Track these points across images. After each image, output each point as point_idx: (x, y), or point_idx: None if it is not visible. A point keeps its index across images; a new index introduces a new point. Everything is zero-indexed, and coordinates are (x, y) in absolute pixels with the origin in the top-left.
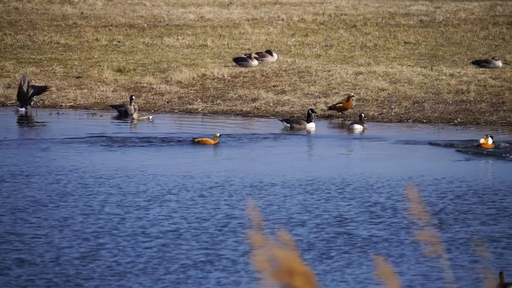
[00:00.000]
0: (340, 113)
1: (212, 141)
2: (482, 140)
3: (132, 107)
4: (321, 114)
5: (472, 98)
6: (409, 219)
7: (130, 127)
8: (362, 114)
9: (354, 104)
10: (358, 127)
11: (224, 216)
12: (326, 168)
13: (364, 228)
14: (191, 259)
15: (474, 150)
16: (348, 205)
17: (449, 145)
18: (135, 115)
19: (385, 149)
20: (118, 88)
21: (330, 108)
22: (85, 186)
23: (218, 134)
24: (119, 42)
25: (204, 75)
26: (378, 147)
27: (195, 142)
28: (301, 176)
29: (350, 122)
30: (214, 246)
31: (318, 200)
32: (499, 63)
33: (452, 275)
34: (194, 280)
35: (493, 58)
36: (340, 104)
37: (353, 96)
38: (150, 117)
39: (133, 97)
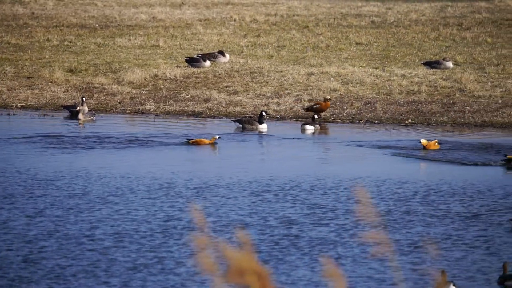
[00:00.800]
0: (316, 114)
1: (208, 142)
2: (423, 141)
3: (84, 107)
4: (294, 116)
5: (423, 99)
6: (356, 220)
7: (77, 128)
8: (315, 116)
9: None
10: (309, 128)
11: (167, 218)
12: (274, 169)
13: (310, 230)
14: (135, 261)
15: (417, 152)
16: (293, 206)
17: (395, 146)
18: (80, 116)
19: (333, 150)
20: (69, 88)
21: (307, 109)
22: (28, 187)
23: (217, 136)
24: (70, 42)
25: (156, 75)
26: (327, 148)
27: (190, 143)
28: (248, 177)
29: (302, 123)
30: (159, 248)
31: (264, 201)
32: (450, 64)
33: (399, 276)
34: (138, 283)
35: (443, 59)
36: (317, 106)
37: (329, 99)
38: (93, 117)
39: (84, 98)
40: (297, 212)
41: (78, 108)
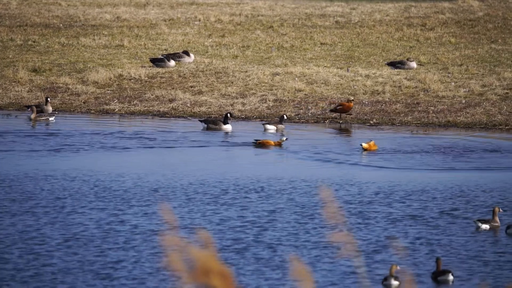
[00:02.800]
0: (340, 115)
1: (273, 143)
2: (364, 144)
3: (48, 107)
4: (319, 116)
5: (387, 99)
6: (321, 221)
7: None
8: (284, 116)
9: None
10: (270, 128)
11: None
12: (233, 170)
13: (273, 231)
14: (95, 263)
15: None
16: (255, 208)
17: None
18: (32, 116)
19: (291, 151)
20: (33, 88)
21: (332, 110)
22: None
23: (285, 139)
24: (34, 42)
25: (120, 75)
26: (285, 149)
27: (258, 143)
28: (209, 178)
29: (263, 122)
30: (124, 248)
31: (224, 203)
32: (414, 64)
33: (366, 275)
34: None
35: (407, 59)
36: (341, 106)
37: (352, 99)
38: (51, 118)
39: (48, 98)
40: (258, 214)
41: (42, 108)
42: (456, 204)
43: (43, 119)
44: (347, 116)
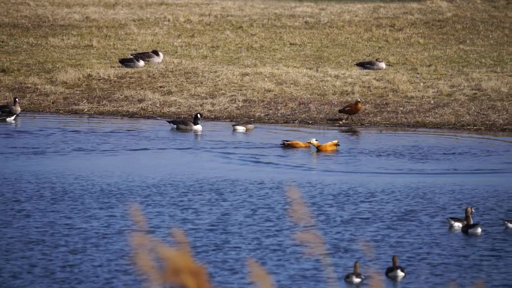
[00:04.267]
0: (348, 116)
1: (303, 144)
2: (314, 142)
3: (17, 108)
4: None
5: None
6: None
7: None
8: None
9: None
10: (240, 128)
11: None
12: (197, 171)
13: (245, 230)
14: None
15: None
16: (224, 208)
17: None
18: None
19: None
20: (1, 88)
21: (340, 111)
22: None
23: (314, 139)
24: (2, 42)
25: (90, 75)
26: (251, 149)
27: (286, 145)
28: (174, 178)
29: (233, 123)
30: (91, 249)
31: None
32: (383, 65)
33: (331, 275)
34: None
35: (376, 60)
36: (348, 108)
37: (360, 101)
38: (8, 118)
39: (17, 98)
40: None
41: (10, 108)
42: (417, 205)
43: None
44: (352, 117)
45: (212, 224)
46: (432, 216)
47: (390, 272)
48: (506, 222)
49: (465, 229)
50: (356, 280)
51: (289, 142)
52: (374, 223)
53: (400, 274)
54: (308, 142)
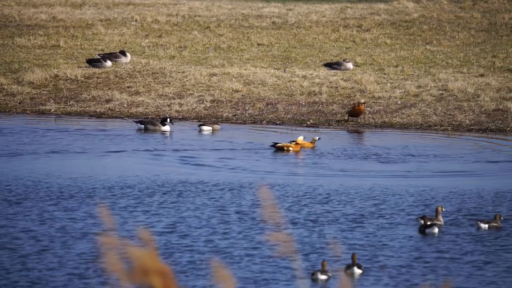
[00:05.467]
0: (353, 118)
1: (311, 144)
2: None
3: None
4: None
5: (324, 100)
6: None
7: None
8: (219, 119)
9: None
10: (206, 128)
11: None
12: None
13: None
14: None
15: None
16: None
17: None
18: None
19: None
20: None
21: (347, 113)
22: None
23: (317, 138)
24: None
25: (57, 75)
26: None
27: (278, 146)
28: (139, 179)
29: (199, 123)
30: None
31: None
32: (350, 65)
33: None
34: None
35: (344, 60)
36: (351, 109)
37: (363, 102)
38: None
39: None
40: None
41: None
42: (378, 206)
43: None
44: (358, 119)
45: (171, 226)
46: (394, 217)
47: (347, 269)
48: (479, 222)
49: (423, 229)
50: (322, 277)
51: (284, 143)
52: (333, 224)
53: (357, 271)
54: (313, 141)
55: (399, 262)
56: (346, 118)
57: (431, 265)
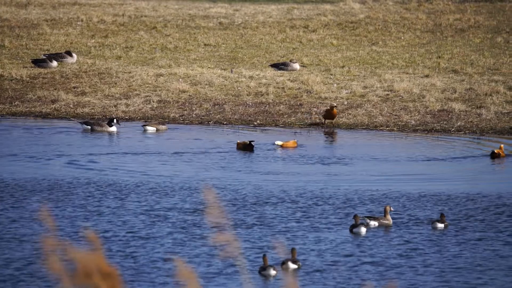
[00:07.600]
0: (324, 120)
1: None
2: (278, 142)
3: None
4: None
5: (271, 100)
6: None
7: None
8: (166, 120)
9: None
10: (150, 129)
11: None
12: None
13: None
14: None
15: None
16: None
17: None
18: None
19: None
20: None
21: (323, 116)
22: None
23: (280, 143)
24: None
25: (1, 76)
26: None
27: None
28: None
29: (143, 123)
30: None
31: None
32: (297, 66)
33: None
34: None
35: (290, 61)
36: (325, 113)
37: (335, 106)
38: None
39: None
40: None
41: None
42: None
43: None
44: (329, 122)
45: (120, 229)
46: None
47: (283, 264)
48: (435, 222)
49: (351, 229)
50: (273, 272)
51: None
52: (278, 225)
53: (292, 266)
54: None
55: (329, 261)
56: (323, 121)
57: (359, 266)
